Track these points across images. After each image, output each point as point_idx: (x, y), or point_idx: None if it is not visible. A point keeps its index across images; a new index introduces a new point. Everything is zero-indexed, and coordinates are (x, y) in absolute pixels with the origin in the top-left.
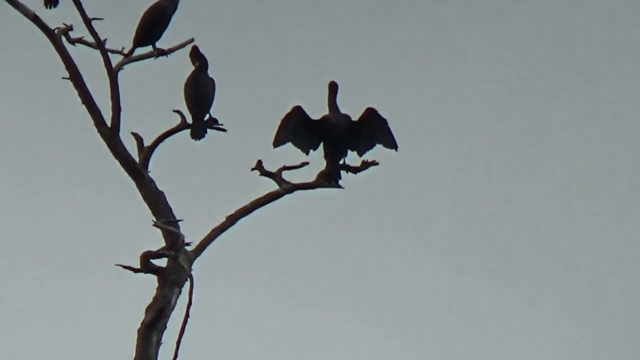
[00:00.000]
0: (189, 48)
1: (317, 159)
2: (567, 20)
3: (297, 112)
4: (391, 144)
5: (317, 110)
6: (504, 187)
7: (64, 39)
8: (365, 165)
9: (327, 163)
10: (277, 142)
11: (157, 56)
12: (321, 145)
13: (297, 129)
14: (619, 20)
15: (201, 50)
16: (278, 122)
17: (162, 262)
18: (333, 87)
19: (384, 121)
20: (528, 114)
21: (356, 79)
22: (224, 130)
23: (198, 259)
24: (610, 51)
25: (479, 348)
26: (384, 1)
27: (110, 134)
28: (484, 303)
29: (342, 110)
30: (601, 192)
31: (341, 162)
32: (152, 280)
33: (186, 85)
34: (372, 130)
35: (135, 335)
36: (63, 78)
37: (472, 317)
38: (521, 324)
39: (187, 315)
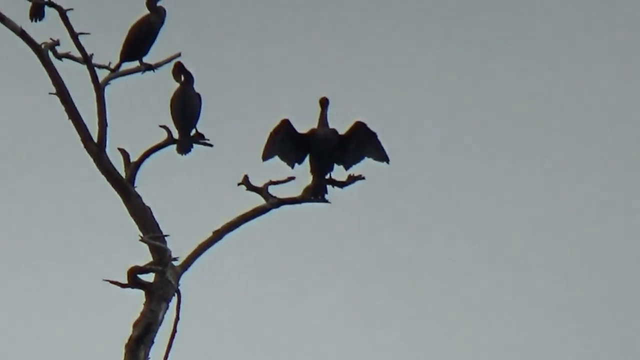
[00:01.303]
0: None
1: (304, 174)
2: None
3: (285, 125)
4: (382, 157)
5: (304, 124)
6: (495, 200)
7: (50, 53)
8: (352, 179)
9: (313, 177)
10: (266, 156)
11: (144, 71)
12: (307, 159)
13: (284, 142)
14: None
15: (187, 65)
16: (265, 137)
17: (149, 277)
18: (324, 103)
19: (374, 134)
20: (518, 132)
21: (345, 92)
22: (210, 145)
23: (185, 274)
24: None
25: None
26: (374, 14)
27: (97, 150)
28: (474, 315)
29: (332, 124)
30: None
31: (327, 176)
32: (139, 295)
33: (172, 100)
34: (361, 143)
35: (123, 351)
36: (50, 93)
37: (460, 330)
38: (517, 340)
39: (174, 331)
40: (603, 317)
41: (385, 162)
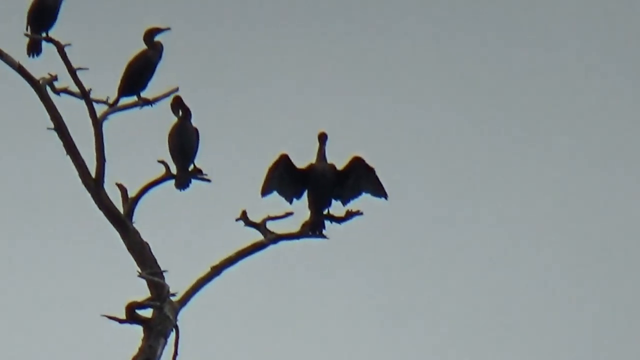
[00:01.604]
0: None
1: (302, 209)
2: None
3: (284, 160)
4: (380, 192)
5: (303, 158)
6: (493, 235)
7: (48, 89)
8: (350, 215)
9: (311, 213)
10: (265, 191)
11: (142, 106)
12: (305, 194)
13: (282, 177)
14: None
15: (185, 100)
16: (264, 172)
17: (147, 313)
18: (322, 138)
19: (371, 170)
20: (518, 166)
21: (343, 127)
22: (208, 180)
23: (183, 309)
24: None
25: None
26: (373, 48)
27: (95, 185)
28: (474, 350)
29: (330, 159)
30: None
31: (325, 211)
32: (137, 330)
33: (170, 135)
34: (358, 179)
35: None
36: (48, 128)
37: None
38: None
39: None
40: (603, 318)
41: (383, 198)
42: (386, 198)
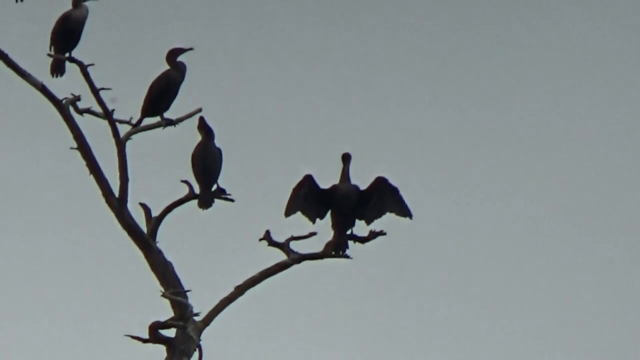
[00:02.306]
0: (197, 118)
1: (326, 229)
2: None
3: (308, 181)
4: (405, 212)
5: (327, 179)
6: (519, 253)
7: (71, 109)
8: (373, 235)
9: (334, 233)
10: (289, 212)
11: (165, 126)
12: (328, 214)
13: (307, 197)
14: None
15: (208, 120)
16: (287, 192)
17: (170, 333)
18: (346, 158)
19: (396, 190)
20: (542, 183)
21: (366, 146)
22: (231, 200)
23: (206, 329)
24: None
25: None
26: (399, 68)
27: (118, 205)
28: None
29: (354, 180)
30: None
31: (349, 232)
32: (161, 350)
33: (194, 155)
34: (382, 199)
35: None
36: (71, 148)
37: None
38: None
39: None
40: (604, 319)
41: (408, 218)
42: (411, 218)
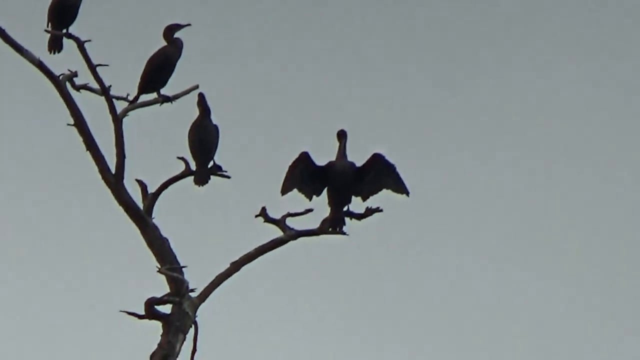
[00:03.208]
0: (193, 94)
1: (321, 206)
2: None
3: (304, 158)
4: (401, 189)
5: (323, 156)
6: (514, 231)
7: (68, 85)
8: (369, 212)
9: (331, 210)
10: (285, 190)
11: (161, 103)
12: (325, 191)
13: (303, 175)
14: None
15: (206, 97)
16: (283, 169)
17: (166, 309)
18: (342, 136)
19: (392, 166)
20: (544, 159)
21: (363, 122)
22: (227, 177)
23: (202, 305)
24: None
25: None
26: (395, 46)
27: (115, 181)
28: (492, 348)
29: (351, 157)
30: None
31: (345, 208)
32: (156, 326)
33: (190, 132)
34: (378, 176)
35: None
36: (68, 124)
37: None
38: None
39: None
40: (604, 319)
41: (404, 195)
42: (408, 195)
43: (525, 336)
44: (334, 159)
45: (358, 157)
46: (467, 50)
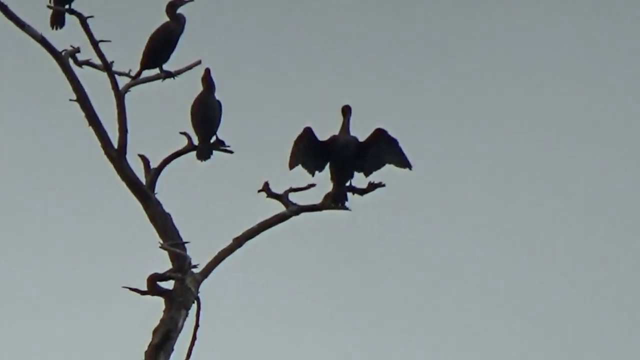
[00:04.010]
0: (196, 69)
1: (324, 181)
2: None
3: (307, 133)
4: (404, 163)
5: (327, 131)
6: (521, 204)
7: (71, 61)
8: (372, 187)
9: (333, 185)
10: (292, 165)
11: (164, 78)
12: (327, 166)
13: (307, 150)
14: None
15: (210, 73)
16: (286, 144)
17: (169, 285)
18: (346, 111)
19: (394, 141)
20: (548, 137)
21: (365, 97)
22: (230, 152)
23: (205, 281)
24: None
25: None
26: (398, 21)
27: (117, 156)
28: (493, 325)
29: (354, 131)
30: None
31: (348, 183)
32: (159, 302)
33: (193, 107)
34: (381, 150)
35: (142, 358)
36: (70, 100)
37: (479, 338)
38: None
39: (194, 338)
40: (605, 319)
41: (407, 169)
42: (410, 168)
43: (529, 313)
44: (337, 133)
45: (362, 132)
46: (467, 20)
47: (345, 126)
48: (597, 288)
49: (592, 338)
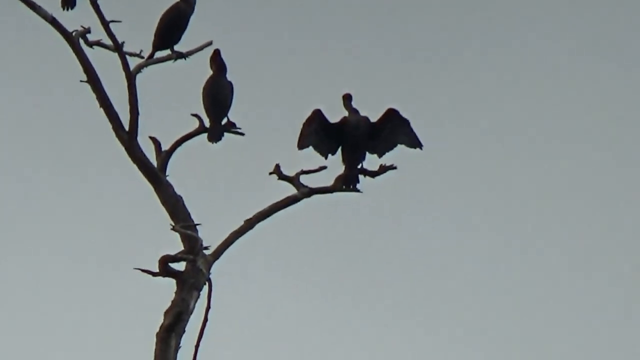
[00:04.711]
0: (207, 51)
1: (336, 163)
2: None
3: (317, 115)
4: (415, 143)
5: (335, 114)
6: (532, 189)
7: (81, 41)
8: (384, 169)
9: (345, 167)
10: (301, 145)
11: (175, 59)
12: (340, 149)
13: (318, 133)
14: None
15: (221, 54)
16: (297, 126)
17: (180, 266)
18: (347, 99)
19: (406, 121)
20: (551, 118)
21: (375, 79)
22: (241, 134)
23: (216, 262)
24: None
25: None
26: (406, 5)
27: (128, 138)
28: (500, 314)
29: (364, 114)
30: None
31: (359, 166)
32: (170, 284)
33: (204, 88)
34: (393, 131)
35: (154, 339)
36: (81, 81)
37: (488, 325)
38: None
39: (205, 319)
40: (605, 319)
41: (418, 148)
42: (421, 148)
43: (540, 290)
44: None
45: (370, 111)
46: (474, 15)
47: (351, 108)
48: (597, 288)
49: (592, 338)
